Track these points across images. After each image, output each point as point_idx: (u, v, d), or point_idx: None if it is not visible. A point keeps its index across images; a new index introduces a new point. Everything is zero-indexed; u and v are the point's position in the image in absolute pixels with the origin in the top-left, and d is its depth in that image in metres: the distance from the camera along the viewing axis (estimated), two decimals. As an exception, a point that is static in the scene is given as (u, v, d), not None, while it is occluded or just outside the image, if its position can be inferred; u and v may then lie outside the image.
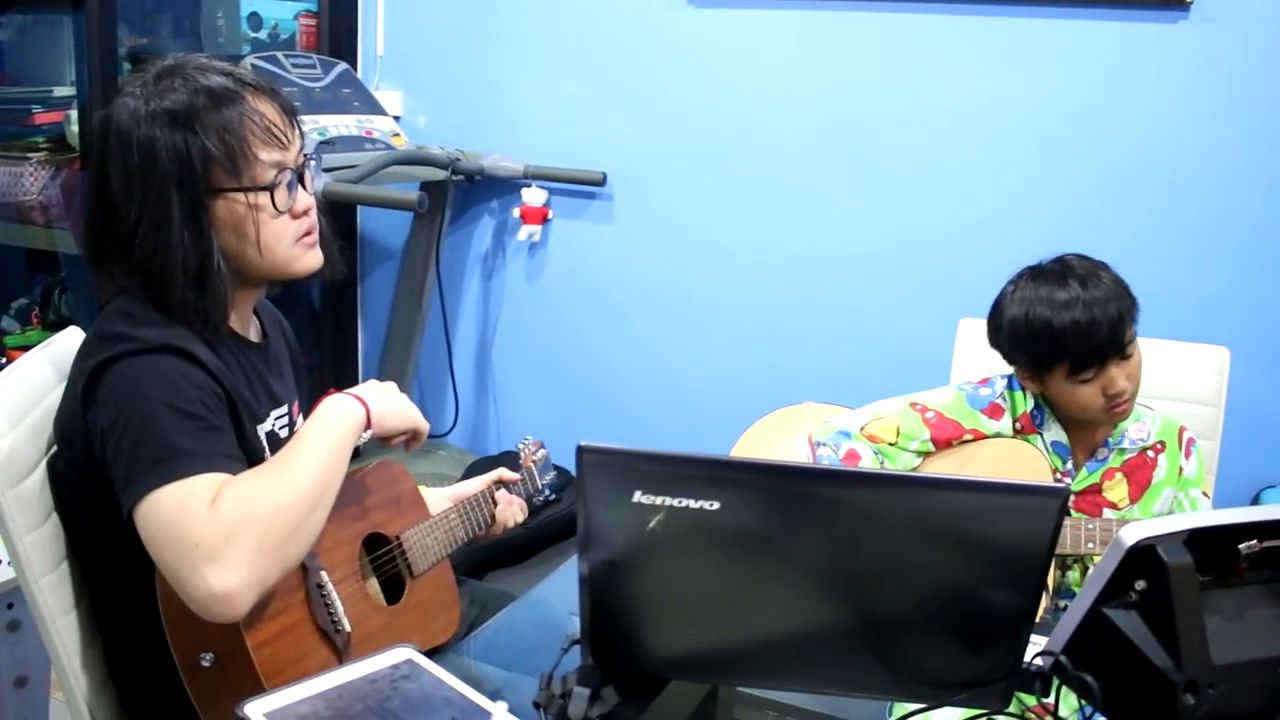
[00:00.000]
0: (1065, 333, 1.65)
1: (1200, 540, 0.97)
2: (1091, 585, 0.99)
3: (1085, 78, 2.54)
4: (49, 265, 3.17)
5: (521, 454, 1.77)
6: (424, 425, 1.44)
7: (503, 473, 1.70)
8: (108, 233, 1.30)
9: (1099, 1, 2.49)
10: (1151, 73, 2.49)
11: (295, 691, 0.93)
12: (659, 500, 0.92)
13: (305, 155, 1.37)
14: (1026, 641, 0.98)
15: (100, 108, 2.66)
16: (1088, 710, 1.01)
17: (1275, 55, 2.38)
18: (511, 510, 1.68)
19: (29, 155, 2.93)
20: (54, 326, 3.04)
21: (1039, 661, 1.00)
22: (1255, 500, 2.49)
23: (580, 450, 0.92)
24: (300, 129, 1.37)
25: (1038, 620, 1.05)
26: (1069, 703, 1.01)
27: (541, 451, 1.79)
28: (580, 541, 0.96)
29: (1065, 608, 1.67)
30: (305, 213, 1.36)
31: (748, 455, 1.92)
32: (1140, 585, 0.97)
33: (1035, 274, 1.73)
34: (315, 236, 1.38)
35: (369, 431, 1.34)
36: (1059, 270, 1.70)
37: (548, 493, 1.79)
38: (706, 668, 1.05)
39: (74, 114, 2.91)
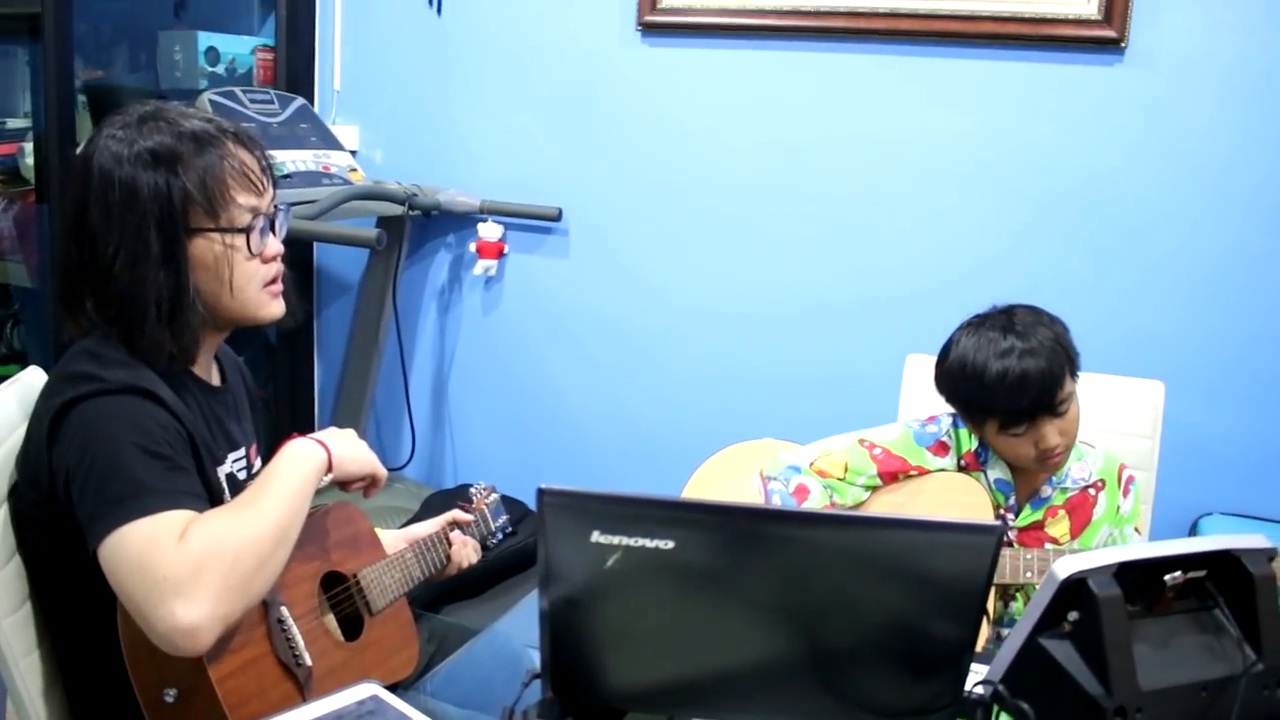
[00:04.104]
0: (995, 387, 1.67)
1: (1129, 572, 1.02)
2: (1028, 616, 1.04)
3: (1026, 118, 2.62)
4: (1, 299, 3.14)
5: (475, 498, 1.80)
6: (383, 472, 1.47)
7: (457, 515, 1.73)
8: (83, 268, 1.32)
9: (1039, 44, 2.58)
10: (1089, 113, 2.57)
11: (262, 729, 0.95)
12: (616, 540, 0.96)
13: (277, 205, 1.41)
14: (967, 671, 1.02)
15: (56, 140, 2.69)
16: (1025, 736, 1.05)
17: (1205, 96, 2.48)
18: (466, 551, 1.71)
19: (-19, 188, 2.92)
20: (6, 360, 3.02)
21: (979, 690, 1.04)
22: (1194, 527, 2.56)
23: (540, 492, 0.96)
24: (274, 179, 1.41)
25: (980, 650, 1.10)
26: (1007, 729, 1.06)
27: (494, 495, 1.83)
28: (540, 579, 0.99)
29: (1007, 637, 1.73)
30: (275, 258, 1.40)
31: (701, 491, 1.96)
32: (1073, 616, 1.02)
33: (980, 322, 1.75)
34: (280, 286, 1.42)
35: (330, 475, 1.37)
36: (1003, 321, 1.72)
37: (500, 535, 1.82)
38: (663, 700, 1.08)
39: (29, 146, 2.89)
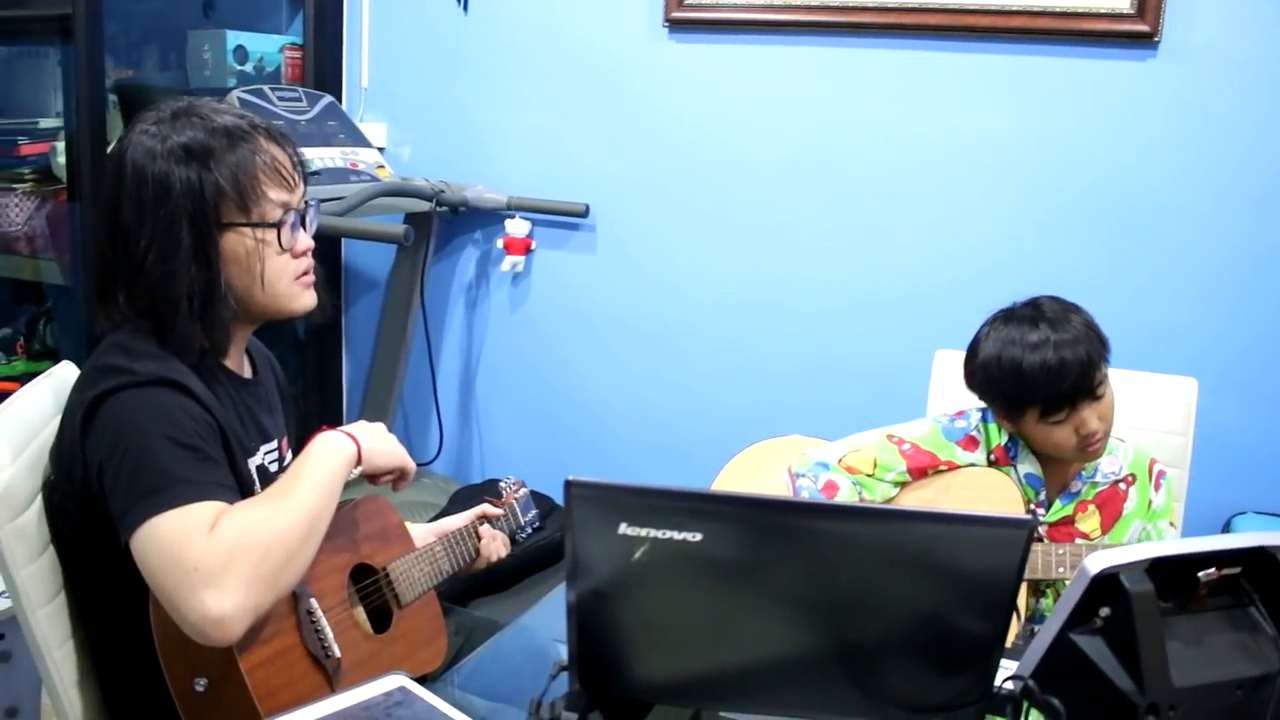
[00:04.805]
0: (1035, 376, 1.67)
1: (1162, 568, 1.01)
2: (1059, 612, 1.03)
3: (1058, 113, 2.60)
4: (34, 296, 3.17)
5: (504, 492, 1.81)
6: (411, 465, 1.48)
7: (486, 509, 1.74)
8: (116, 262, 1.34)
9: (1070, 39, 2.56)
10: (1121, 108, 2.55)
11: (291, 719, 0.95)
12: (643, 532, 0.95)
13: (307, 200, 1.41)
14: (996, 666, 1.01)
15: (87, 139, 2.71)
16: (1055, 733, 1.04)
17: (1240, 91, 2.45)
18: (495, 545, 1.72)
19: (14, 186, 2.94)
20: (39, 357, 3.05)
21: (1009, 685, 1.03)
22: (1227, 526, 2.53)
23: (568, 484, 0.96)
24: (305, 174, 1.42)
25: (1011, 645, 1.09)
26: (1038, 725, 1.05)
27: (523, 490, 1.83)
28: (568, 572, 0.99)
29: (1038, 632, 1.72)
30: (305, 253, 1.41)
31: (729, 488, 1.96)
32: (1105, 612, 1.01)
33: (1008, 316, 1.75)
34: (312, 277, 1.43)
35: (359, 468, 1.38)
36: (1030, 313, 1.73)
37: (529, 529, 1.82)
38: (690, 693, 1.08)
39: (60, 145, 2.92)
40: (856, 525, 0.98)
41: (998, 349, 1.72)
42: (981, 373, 1.76)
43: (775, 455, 1.96)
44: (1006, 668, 1.03)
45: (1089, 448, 1.72)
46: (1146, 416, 2.07)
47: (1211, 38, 2.45)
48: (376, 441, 1.41)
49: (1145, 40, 2.49)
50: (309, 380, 3.45)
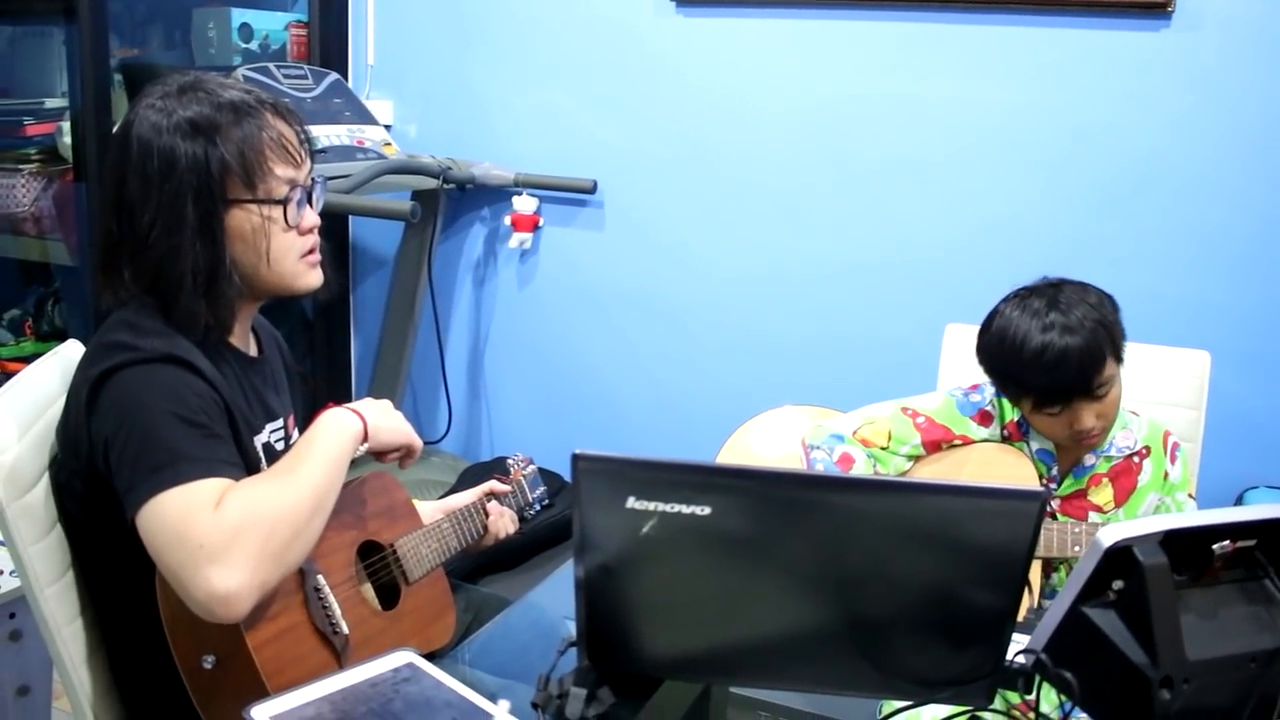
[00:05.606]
0: (1032, 364, 1.62)
1: (1175, 541, 1.00)
2: (1071, 585, 1.02)
3: (1069, 85, 2.58)
4: (42, 276, 3.18)
5: (512, 469, 1.80)
6: (418, 442, 1.47)
7: (494, 485, 1.73)
8: (121, 237, 1.33)
9: (1083, 9, 2.53)
10: (1133, 79, 2.52)
11: (299, 695, 0.95)
12: (652, 506, 0.95)
13: (314, 177, 1.40)
14: (1008, 640, 1.01)
15: (92, 119, 2.71)
16: (1068, 706, 1.03)
17: (1253, 62, 2.42)
18: (503, 522, 1.71)
19: (21, 167, 2.94)
20: (47, 338, 3.05)
21: (1021, 659, 1.02)
22: (1239, 500, 2.52)
23: (575, 458, 0.95)
24: (312, 151, 1.41)
25: (1022, 620, 1.08)
26: (1050, 699, 1.04)
27: (531, 467, 1.82)
28: (576, 546, 0.99)
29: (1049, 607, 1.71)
30: (311, 230, 1.40)
31: (735, 458, 1.95)
32: (1118, 585, 1.00)
33: (1027, 294, 1.69)
34: (318, 256, 1.42)
35: (365, 445, 1.38)
36: (1048, 296, 1.66)
37: (537, 506, 1.82)
38: (699, 668, 1.08)
39: (66, 125, 2.92)
40: (867, 498, 0.97)
41: (1005, 327, 1.67)
42: (987, 349, 1.72)
43: (777, 426, 1.95)
44: (1018, 642, 1.02)
45: (1083, 442, 1.69)
46: (1159, 390, 2.06)
47: (1225, 8, 2.42)
48: (383, 418, 1.40)
49: (1158, 10, 2.46)
50: (317, 358, 3.45)
